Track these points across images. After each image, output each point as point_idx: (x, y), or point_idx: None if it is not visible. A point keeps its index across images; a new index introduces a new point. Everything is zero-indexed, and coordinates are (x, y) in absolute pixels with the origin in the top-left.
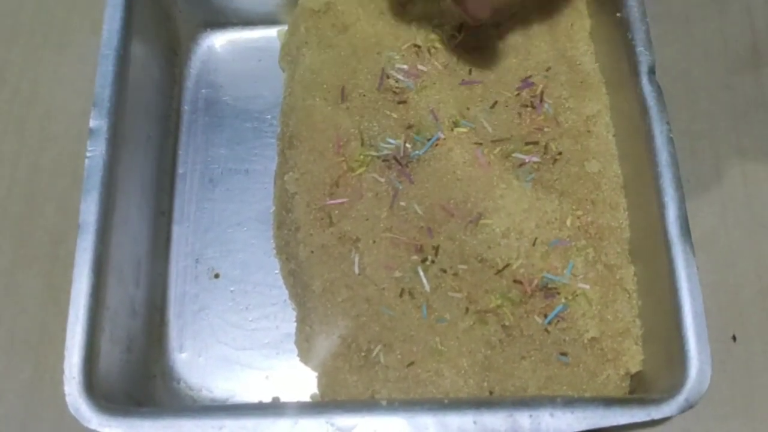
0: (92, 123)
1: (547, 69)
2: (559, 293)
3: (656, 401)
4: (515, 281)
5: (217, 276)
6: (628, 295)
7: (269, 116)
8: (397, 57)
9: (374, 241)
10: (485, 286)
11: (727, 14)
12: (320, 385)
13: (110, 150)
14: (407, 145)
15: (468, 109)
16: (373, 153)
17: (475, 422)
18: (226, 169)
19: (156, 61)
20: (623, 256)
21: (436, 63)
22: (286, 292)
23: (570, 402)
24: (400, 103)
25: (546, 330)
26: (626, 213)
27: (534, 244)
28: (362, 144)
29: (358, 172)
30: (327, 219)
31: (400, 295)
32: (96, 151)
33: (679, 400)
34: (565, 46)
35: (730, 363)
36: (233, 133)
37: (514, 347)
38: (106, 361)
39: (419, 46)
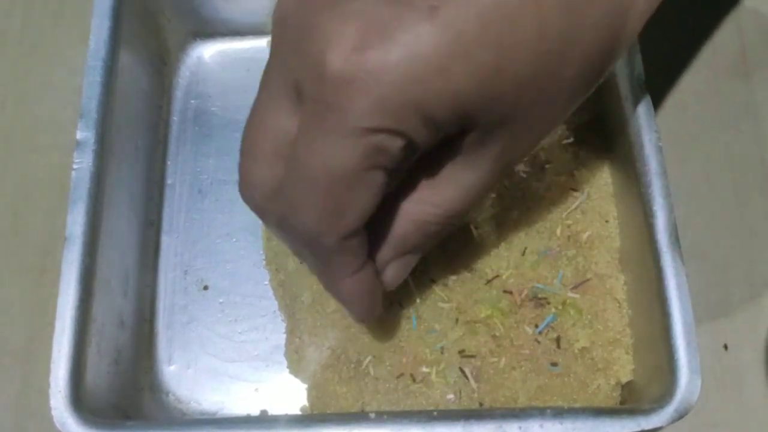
0: (79, 134)
1: None
2: (549, 303)
3: (646, 411)
4: (505, 291)
5: (206, 287)
6: (618, 305)
7: None
8: None
9: None
10: (475, 296)
11: (715, 21)
12: (310, 397)
13: (98, 161)
14: None
15: None
16: None
17: None
18: (216, 180)
19: (144, 72)
20: (613, 265)
21: None
22: (276, 303)
23: (559, 413)
24: None
25: (536, 340)
26: (616, 222)
27: (523, 254)
28: None
29: None
30: None
31: (390, 306)
32: (83, 163)
33: (669, 410)
34: None
35: (721, 372)
36: (222, 144)
37: (504, 358)
38: (93, 374)
39: None
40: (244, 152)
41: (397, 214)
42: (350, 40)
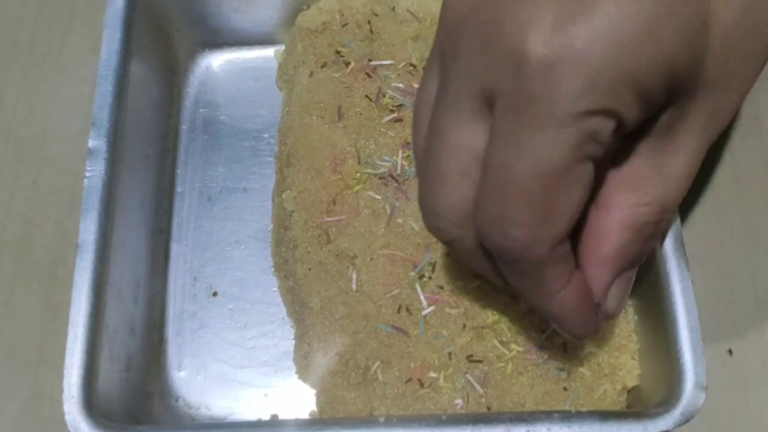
0: (91, 143)
1: None
2: None
3: (652, 415)
4: (512, 297)
5: (215, 294)
6: (624, 310)
7: (267, 135)
8: (392, 76)
9: (371, 258)
10: (482, 302)
11: None
12: (319, 402)
13: (109, 170)
14: (404, 163)
15: None
16: (370, 171)
17: None
18: (225, 188)
19: (154, 81)
20: None
21: None
22: (284, 309)
23: (567, 417)
24: (396, 121)
25: (543, 345)
26: None
27: None
28: (359, 162)
29: (355, 189)
30: (324, 236)
31: (398, 312)
32: (95, 171)
33: (675, 414)
34: None
35: (726, 377)
36: (231, 152)
37: (511, 363)
38: (105, 380)
39: (415, 65)
40: (425, 180)
41: (605, 228)
42: (547, 22)
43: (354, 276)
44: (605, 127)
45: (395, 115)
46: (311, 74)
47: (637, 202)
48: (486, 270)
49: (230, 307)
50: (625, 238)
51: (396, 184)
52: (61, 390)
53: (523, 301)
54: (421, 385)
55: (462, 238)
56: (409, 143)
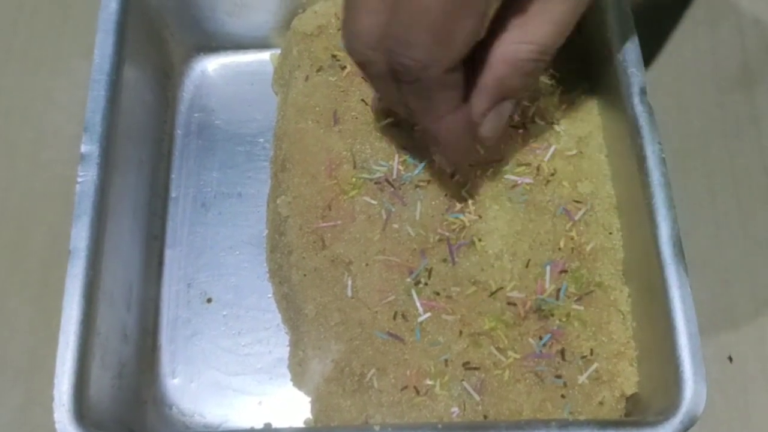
0: (83, 148)
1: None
2: (553, 315)
3: (651, 423)
4: (509, 303)
5: (209, 300)
6: (622, 317)
7: (262, 140)
8: None
9: (367, 264)
10: (478, 308)
11: (718, 34)
12: (314, 410)
13: (102, 175)
14: (400, 168)
15: None
16: (366, 176)
17: None
18: (219, 193)
19: (148, 85)
20: (617, 277)
21: None
22: (279, 316)
23: (564, 425)
24: (392, 125)
25: (540, 352)
26: (620, 233)
27: (527, 266)
28: (355, 167)
29: (350, 194)
30: (320, 242)
31: (394, 318)
32: (87, 177)
33: (675, 422)
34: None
35: (726, 384)
36: (226, 157)
37: (508, 370)
38: (96, 388)
39: None
40: (348, 8)
41: (490, 60)
42: None
43: (349, 282)
44: None
45: (391, 119)
46: (307, 78)
47: (519, 40)
48: (393, 97)
49: (224, 313)
50: (504, 70)
51: (392, 189)
52: (52, 398)
53: (416, 123)
54: (417, 392)
55: (374, 62)
56: (404, 148)
